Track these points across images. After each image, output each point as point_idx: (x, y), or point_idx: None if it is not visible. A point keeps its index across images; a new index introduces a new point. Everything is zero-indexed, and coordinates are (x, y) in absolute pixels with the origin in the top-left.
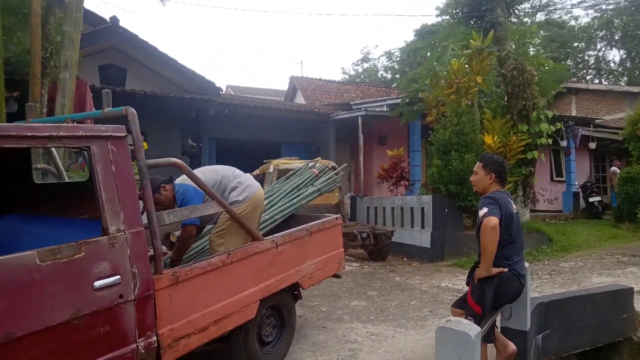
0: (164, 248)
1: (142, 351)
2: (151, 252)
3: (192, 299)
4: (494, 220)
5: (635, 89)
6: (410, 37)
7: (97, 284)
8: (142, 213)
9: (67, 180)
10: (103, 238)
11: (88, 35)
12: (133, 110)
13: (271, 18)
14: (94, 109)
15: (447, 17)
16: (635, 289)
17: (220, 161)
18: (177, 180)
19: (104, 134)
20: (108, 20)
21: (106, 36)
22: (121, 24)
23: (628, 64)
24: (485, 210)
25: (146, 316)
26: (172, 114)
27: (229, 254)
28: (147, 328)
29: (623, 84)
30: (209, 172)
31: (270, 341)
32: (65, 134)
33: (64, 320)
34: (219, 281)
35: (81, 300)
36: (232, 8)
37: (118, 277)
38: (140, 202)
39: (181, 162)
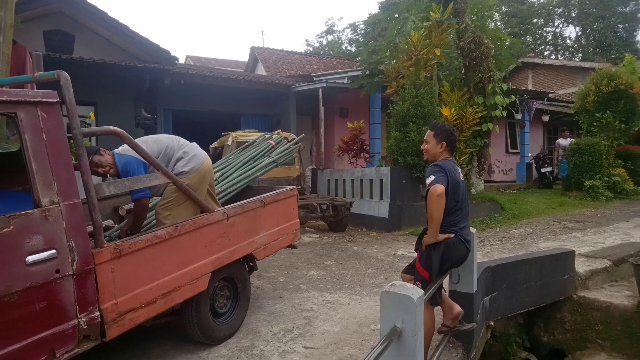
0: (112, 222)
1: (84, 327)
2: (90, 226)
3: (138, 272)
4: (439, 188)
5: (587, 65)
6: (375, 9)
7: (30, 259)
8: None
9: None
10: (34, 211)
11: None
12: (66, 74)
13: None
14: None
15: None
16: (577, 252)
17: (176, 134)
18: (117, 151)
19: (32, 99)
20: None
21: None
22: None
23: (583, 41)
24: (432, 178)
25: (87, 291)
26: (124, 84)
27: (177, 226)
28: (88, 303)
29: (578, 59)
30: (151, 142)
31: (224, 312)
32: None
33: None
34: (166, 254)
35: (12, 276)
36: None
37: (53, 251)
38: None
39: (121, 130)
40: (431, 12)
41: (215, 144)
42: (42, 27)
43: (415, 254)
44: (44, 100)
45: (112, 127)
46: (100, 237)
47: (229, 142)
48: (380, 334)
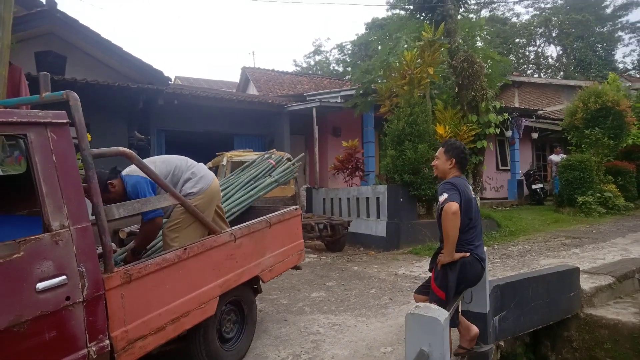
0: (114, 245)
1: (94, 356)
2: (100, 250)
3: (147, 297)
4: (454, 206)
5: (572, 82)
6: (362, 30)
7: (40, 286)
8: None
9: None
10: (45, 235)
11: (22, 19)
12: (75, 94)
13: (222, 7)
14: None
15: (398, 10)
16: (580, 269)
17: (170, 154)
18: (125, 172)
19: (42, 120)
20: (44, 2)
21: (43, 20)
22: (61, 8)
23: (564, 60)
24: (445, 195)
25: (97, 318)
26: (117, 105)
27: (185, 248)
28: (98, 331)
29: (560, 78)
30: (160, 163)
31: (231, 337)
32: None
33: (3, 328)
34: (175, 278)
35: (22, 305)
36: None
37: (64, 277)
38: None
39: (130, 151)
40: (423, 32)
41: (209, 164)
42: (34, 48)
43: (423, 274)
44: (54, 121)
45: (121, 148)
46: (111, 261)
47: (224, 162)
48: (406, 358)
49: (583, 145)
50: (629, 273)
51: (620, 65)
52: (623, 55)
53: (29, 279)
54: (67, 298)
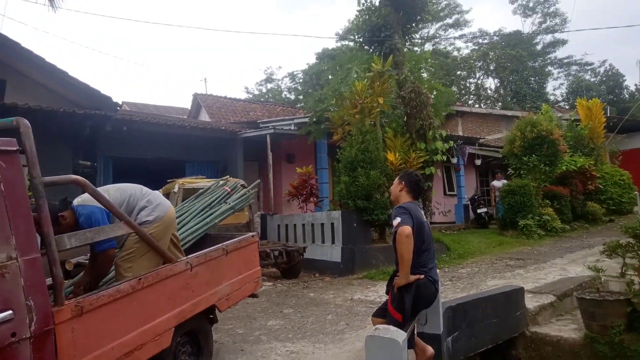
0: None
1: None
2: (50, 282)
3: (100, 331)
4: (407, 229)
5: (509, 113)
6: (312, 59)
7: None
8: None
9: None
10: None
11: None
12: (26, 121)
13: (173, 33)
14: None
15: (347, 42)
16: (524, 288)
17: (118, 182)
18: (77, 201)
19: None
20: None
21: None
22: (2, 31)
23: (502, 91)
24: (398, 219)
25: (45, 355)
26: (62, 131)
27: (140, 278)
28: None
29: (498, 108)
30: (114, 191)
31: None
32: None
33: None
34: (129, 309)
35: None
36: (131, 20)
37: (10, 312)
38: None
39: (83, 179)
40: (373, 64)
41: (160, 191)
42: None
43: (379, 298)
44: (3, 148)
45: (73, 176)
46: (61, 293)
47: (176, 189)
48: None
49: (522, 172)
50: (568, 291)
51: (552, 97)
52: (553, 88)
53: None
54: (13, 334)
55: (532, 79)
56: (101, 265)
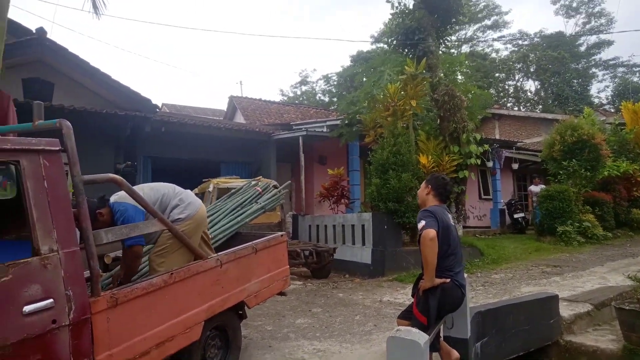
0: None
1: None
2: (88, 274)
3: (133, 321)
4: (432, 232)
5: (549, 116)
6: (347, 62)
7: (27, 309)
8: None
9: None
10: (34, 259)
11: (11, 47)
12: (68, 123)
13: (211, 37)
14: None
15: (382, 44)
16: (559, 296)
17: (156, 181)
18: (114, 198)
19: (35, 148)
20: (34, 31)
21: (32, 48)
22: (50, 37)
23: (542, 94)
24: (423, 223)
25: (82, 342)
26: (104, 132)
27: (172, 273)
28: (83, 355)
29: (538, 111)
30: (148, 190)
31: None
32: None
33: None
34: (161, 302)
35: (8, 327)
36: (171, 26)
37: (51, 300)
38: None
39: (120, 178)
40: (406, 67)
41: (196, 191)
42: (21, 75)
43: (408, 301)
44: (47, 148)
45: (111, 175)
46: (98, 285)
47: (210, 189)
48: None
49: (561, 177)
50: (606, 301)
51: (596, 100)
52: (598, 91)
53: (16, 301)
54: (54, 321)
55: (575, 81)
56: (129, 261)
